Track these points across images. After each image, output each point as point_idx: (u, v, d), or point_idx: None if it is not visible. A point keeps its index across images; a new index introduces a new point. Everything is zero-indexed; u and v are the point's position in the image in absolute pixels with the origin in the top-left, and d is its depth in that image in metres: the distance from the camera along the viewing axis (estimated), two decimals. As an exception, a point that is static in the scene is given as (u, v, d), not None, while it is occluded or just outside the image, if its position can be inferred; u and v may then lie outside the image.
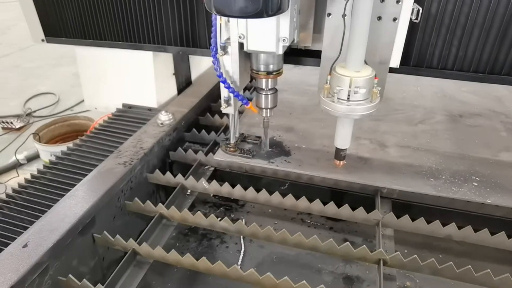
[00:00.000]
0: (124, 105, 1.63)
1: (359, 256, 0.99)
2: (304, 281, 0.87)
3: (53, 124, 2.62)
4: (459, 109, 1.63)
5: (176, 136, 1.47)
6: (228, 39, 1.09)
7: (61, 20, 1.54)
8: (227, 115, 1.29)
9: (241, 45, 1.09)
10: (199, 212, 1.09)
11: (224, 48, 1.09)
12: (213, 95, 1.79)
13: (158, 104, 1.66)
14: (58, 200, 1.06)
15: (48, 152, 2.41)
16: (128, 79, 1.63)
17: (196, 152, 1.38)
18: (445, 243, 1.16)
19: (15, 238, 0.95)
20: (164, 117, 1.44)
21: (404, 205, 1.19)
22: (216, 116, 1.61)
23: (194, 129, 1.51)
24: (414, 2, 1.05)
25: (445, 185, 1.18)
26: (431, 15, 1.13)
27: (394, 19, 1.08)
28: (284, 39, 1.02)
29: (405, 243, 1.17)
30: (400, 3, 1.05)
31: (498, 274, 0.91)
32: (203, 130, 1.50)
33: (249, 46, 1.06)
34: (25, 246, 0.91)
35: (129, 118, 1.54)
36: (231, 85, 1.14)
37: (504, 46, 1.14)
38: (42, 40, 1.62)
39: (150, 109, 1.60)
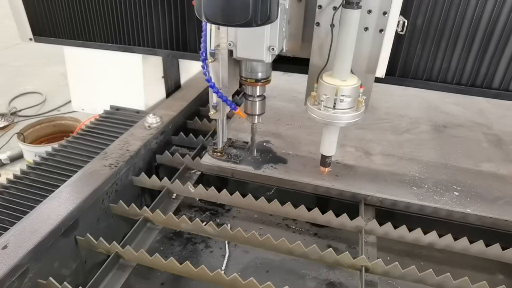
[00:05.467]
0: (111, 106, 1.62)
1: (341, 262, 1.00)
2: (286, 287, 0.88)
3: (39, 124, 2.59)
4: (443, 119, 1.67)
5: (163, 139, 1.47)
6: (218, 45, 1.10)
7: (50, 19, 1.52)
8: (216, 119, 1.30)
9: (230, 52, 1.10)
10: (184, 216, 1.09)
11: (214, 55, 1.10)
12: (202, 99, 1.79)
13: (146, 107, 1.65)
14: (41, 201, 1.05)
15: (32, 153, 2.38)
16: (116, 80, 1.62)
17: (183, 156, 1.38)
18: (426, 250, 1.18)
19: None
20: (152, 120, 1.44)
21: (387, 213, 1.21)
22: (205, 120, 1.62)
23: (181, 133, 1.51)
24: (400, 14, 1.07)
25: (428, 194, 1.20)
26: (417, 28, 1.16)
27: (381, 31, 1.10)
28: (273, 48, 1.03)
29: (388, 250, 1.19)
30: (386, 15, 1.07)
31: (476, 281, 0.93)
32: (191, 134, 1.50)
33: (238, 54, 1.07)
34: (4, 247, 0.89)
35: (116, 120, 1.53)
36: (220, 91, 1.15)
37: (486, 60, 1.17)
38: (30, 39, 1.60)
39: (138, 112, 1.59)
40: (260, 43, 1.04)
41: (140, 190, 1.34)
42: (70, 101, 3.93)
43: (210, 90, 1.17)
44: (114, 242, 1.00)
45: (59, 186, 1.12)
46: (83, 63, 1.63)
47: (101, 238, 1.01)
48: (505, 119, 1.66)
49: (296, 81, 1.95)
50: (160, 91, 1.71)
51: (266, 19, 0.83)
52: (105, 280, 0.97)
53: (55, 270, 0.97)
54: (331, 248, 1.00)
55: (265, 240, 1.03)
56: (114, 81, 1.62)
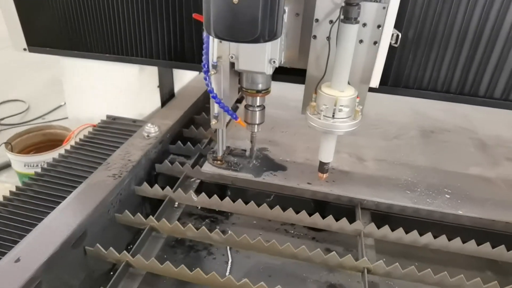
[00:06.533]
0: (108, 116, 1.63)
1: (344, 265, 1.05)
2: (295, 290, 0.92)
3: (27, 133, 2.54)
4: (430, 125, 1.75)
5: (161, 149, 1.49)
6: (220, 57, 1.14)
7: (45, 29, 1.52)
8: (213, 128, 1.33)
9: (231, 64, 1.14)
10: (190, 224, 1.12)
11: (216, 67, 1.13)
12: (196, 107, 1.82)
13: (143, 116, 1.66)
14: (46, 213, 1.06)
15: (21, 162, 2.34)
16: (113, 90, 1.63)
17: (182, 164, 1.41)
18: (420, 252, 1.23)
19: (3, 252, 0.95)
20: (150, 129, 1.46)
21: (383, 216, 1.26)
22: (200, 129, 1.65)
23: (179, 142, 1.54)
24: (394, 27, 1.13)
25: (421, 197, 1.27)
26: (408, 39, 1.23)
27: (375, 43, 1.16)
28: (274, 61, 1.08)
29: (383, 252, 1.24)
30: (380, 28, 1.13)
31: (467, 278, 1.00)
32: (188, 143, 1.53)
33: (240, 66, 1.11)
34: (17, 260, 0.90)
35: (114, 129, 1.54)
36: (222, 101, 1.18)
37: (472, 70, 1.25)
38: (24, 49, 1.60)
39: (134, 121, 1.61)
40: (261, 56, 1.08)
41: (141, 199, 1.36)
42: (55, 109, 3.88)
43: (212, 100, 1.20)
44: (125, 251, 1.02)
45: (63, 197, 1.13)
46: (79, 72, 1.63)
47: (111, 248, 1.02)
48: (489, 125, 1.76)
49: (287, 89, 1.99)
50: (155, 100, 1.73)
51: (273, 35, 0.87)
52: (117, 289, 0.99)
53: (66, 281, 0.98)
54: (334, 252, 1.05)
55: (270, 246, 1.07)
56: (110, 90, 1.63)
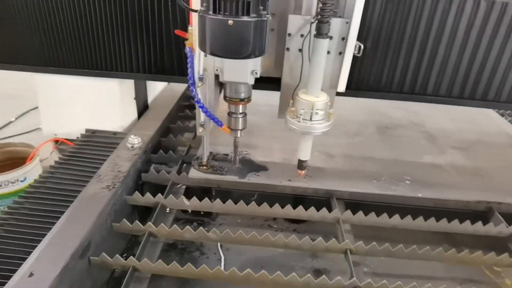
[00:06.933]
0: (87, 130, 1.65)
1: (330, 248, 1.20)
2: (293, 274, 1.05)
3: (-15, 152, 2.44)
4: (385, 121, 1.96)
5: (145, 159, 1.55)
6: (205, 70, 1.23)
7: (18, 45, 1.50)
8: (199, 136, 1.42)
9: (216, 76, 1.24)
10: (188, 227, 1.21)
11: (202, 79, 1.23)
12: (172, 117, 1.90)
13: (122, 129, 1.70)
14: (46, 228, 1.10)
15: (-17, 183, 2.24)
16: (92, 104, 1.64)
17: (168, 172, 1.48)
18: (387, 233, 1.41)
19: (12, 270, 0.98)
20: (134, 141, 1.52)
21: (355, 204, 1.43)
22: (178, 137, 1.73)
23: (161, 151, 1.60)
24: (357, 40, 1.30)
25: (385, 185, 1.45)
26: (367, 49, 1.40)
27: (340, 53, 1.32)
28: (256, 72, 1.20)
29: (357, 236, 1.40)
30: (344, 40, 1.29)
31: (432, 250, 1.18)
32: (171, 151, 1.60)
33: (225, 78, 1.22)
34: (30, 275, 0.94)
35: (96, 143, 1.57)
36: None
37: (421, 72, 1.45)
38: (-6, 67, 1.58)
39: (115, 133, 1.65)
40: (244, 68, 1.20)
41: (131, 208, 1.41)
42: (5, 126, 3.69)
43: (198, 110, 1.29)
44: (131, 257, 1.09)
45: (59, 211, 1.17)
46: (55, 88, 1.63)
47: (117, 255, 1.08)
48: (434, 119, 2.01)
49: (255, 97, 2.12)
50: (133, 112, 1.78)
51: (261, 52, 0.99)
52: (128, 294, 1.05)
53: (76, 292, 1.03)
54: (320, 238, 1.19)
55: (264, 239, 1.19)
56: (89, 104, 1.65)
